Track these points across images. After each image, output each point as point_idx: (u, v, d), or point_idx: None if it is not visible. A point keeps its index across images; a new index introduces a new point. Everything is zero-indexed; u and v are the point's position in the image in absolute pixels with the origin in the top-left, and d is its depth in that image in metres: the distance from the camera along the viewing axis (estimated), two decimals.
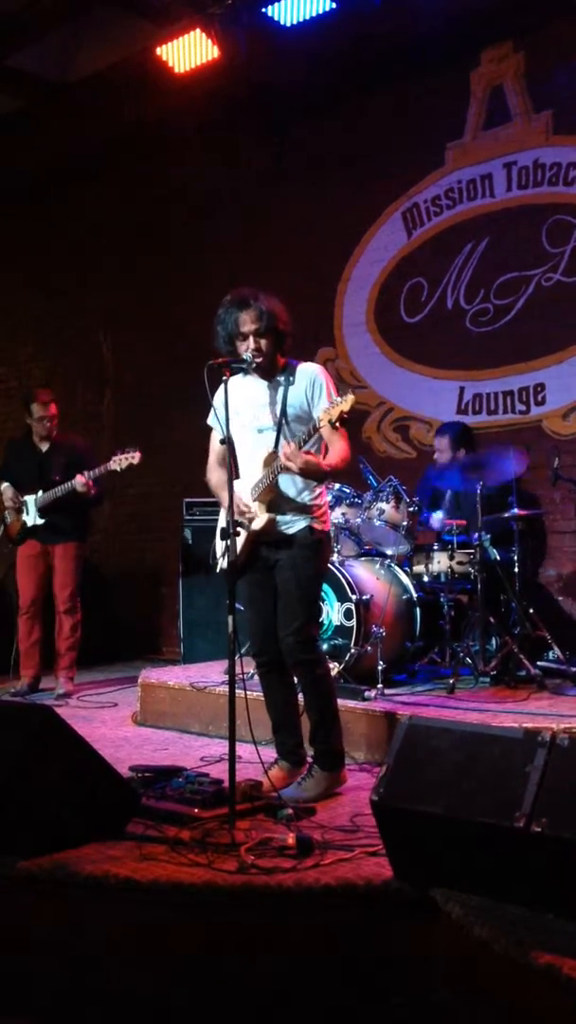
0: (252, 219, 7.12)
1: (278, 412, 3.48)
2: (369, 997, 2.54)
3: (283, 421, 3.47)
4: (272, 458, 3.45)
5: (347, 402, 3.20)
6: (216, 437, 3.63)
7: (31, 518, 5.71)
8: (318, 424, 3.28)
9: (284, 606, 3.50)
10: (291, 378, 3.48)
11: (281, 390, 3.48)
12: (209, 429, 3.65)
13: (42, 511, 5.67)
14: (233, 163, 7.30)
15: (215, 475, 3.69)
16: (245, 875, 2.63)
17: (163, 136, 7.25)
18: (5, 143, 7.23)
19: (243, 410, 3.52)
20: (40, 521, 5.69)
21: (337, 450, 3.46)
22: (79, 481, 5.43)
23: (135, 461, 5.36)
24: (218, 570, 3.68)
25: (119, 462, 5.38)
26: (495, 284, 6.05)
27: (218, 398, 3.42)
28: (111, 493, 7.69)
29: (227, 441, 3.31)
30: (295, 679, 3.65)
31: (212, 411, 3.50)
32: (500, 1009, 2.26)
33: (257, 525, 3.49)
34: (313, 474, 3.39)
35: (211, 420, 3.58)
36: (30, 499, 5.72)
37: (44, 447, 5.78)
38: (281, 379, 3.50)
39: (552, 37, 5.83)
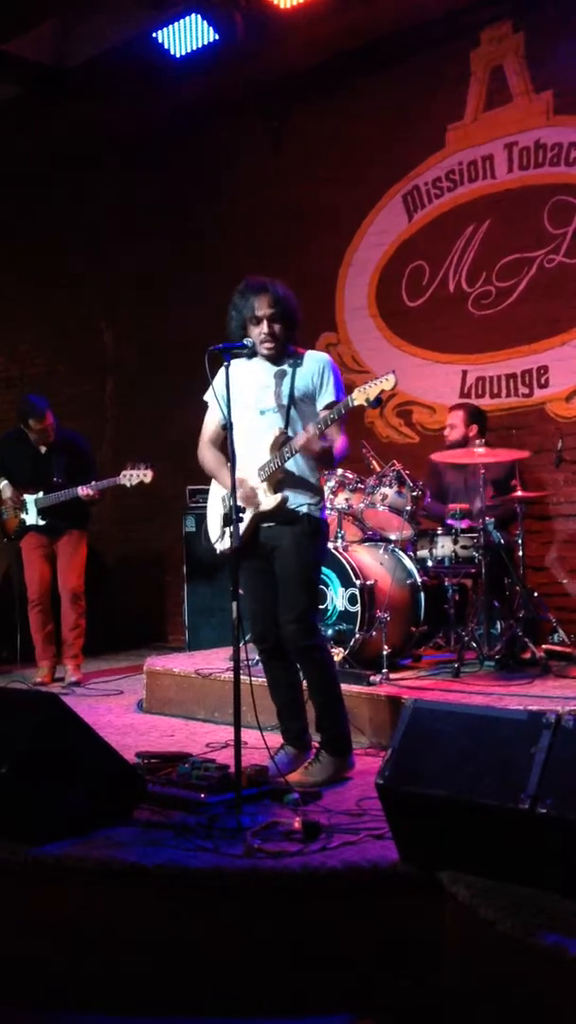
0: (252, 203, 7.08)
1: (285, 394, 3.49)
2: (376, 979, 2.55)
3: (291, 404, 3.48)
4: (281, 441, 3.45)
5: (389, 381, 3.25)
6: (212, 414, 3.64)
7: (31, 518, 5.67)
8: (351, 402, 3.32)
9: (284, 593, 3.50)
10: (298, 362, 3.52)
11: (289, 373, 3.51)
12: (205, 405, 3.64)
13: (43, 512, 5.63)
14: (233, 147, 7.26)
15: (209, 453, 3.67)
16: (251, 859, 2.64)
17: (161, 121, 7.21)
18: (3, 129, 7.19)
19: (246, 391, 3.51)
20: (41, 523, 5.65)
21: (339, 441, 3.50)
22: (83, 492, 5.40)
23: (147, 480, 5.30)
24: (219, 552, 3.69)
25: (129, 478, 5.31)
26: (497, 266, 6.01)
27: (219, 377, 3.40)
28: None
29: (228, 427, 3.30)
30: (300, 665, 3.65)
31: (211, 388, 3.47)
32: (506, 990, 2.27)
33: (268, 505, 3.48)
34: (326, 461, 3.48)
35: (208, 396, 3.55)
36: (30, 499, 5.65)
37: (43, 448, 5.69)
38: (288, 364, 3.53)
39: (552, 16, 5.78)
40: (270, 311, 3.43)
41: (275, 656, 3.64)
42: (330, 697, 3.57)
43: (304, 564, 3.49)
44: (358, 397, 3.29)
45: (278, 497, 3.46)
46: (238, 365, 3.51)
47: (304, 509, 3.51)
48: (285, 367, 3.52)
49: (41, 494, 5.62)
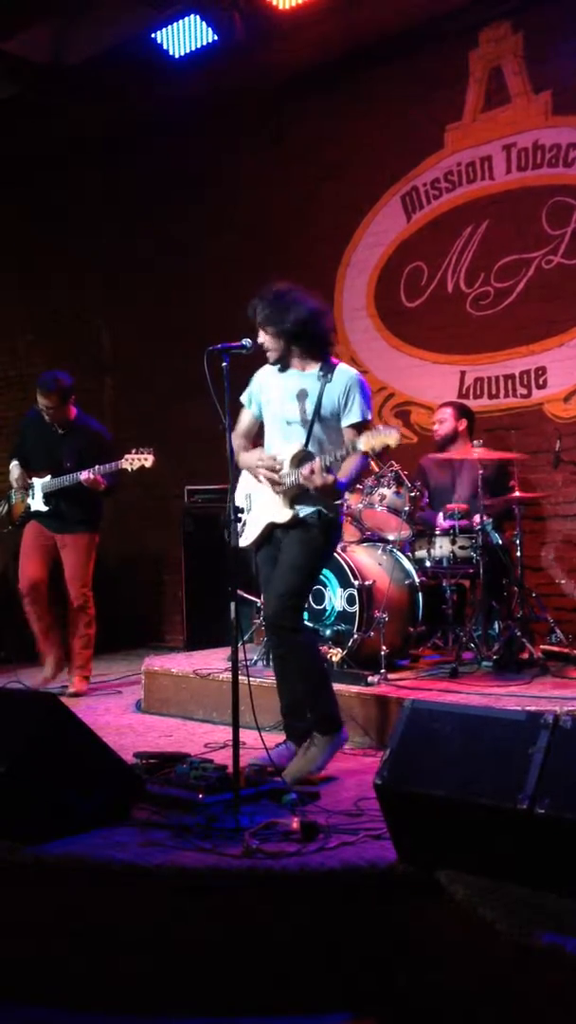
0: (251, 204, 7.09)
1: (310, 410, 3.53)
2: (374, 979, 2.55)
3: (315, 420, 3.52)
4: (300, 457, 3.50)
5: (392, 438, 3.30)
6: (246, 411, 3.75)
7: (36, 503, 5.40)
8: (358, 446, 3.37)
9: (279, 573, 3.55)
10: (329, 376, 3.54)
11: (317, 387, 3.53)
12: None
13: (47, 498, 5.37)
14: (232, 148, 7.26)
15: (239, 441, 3.74)
16: (250, 860, 2.65)
17: (160, 121, 7.21)
18: (2, 129, 7.19)
19: (274, 399, 3.61)
20: (44, 508, 5.38)
21: (354, 461, 3.52)
22: (83, 476, 5.17)
23: (148, 464, 5.12)
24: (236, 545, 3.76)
25: (131, 462, 5.13)
26: (495, 267, 6.02)
27: (255, 377, 3.66)
28: None
29: (226, 428, 3.31)
30: (282, 650, 3.62)
31: (248, 391, 3.70)
32: (504, 989, 2.27)
33: (281, 519, 3.58)
34: (327, 495, 3.47)
35: (243, 397, 3.72)
36: (38, 483, 5.40)
37: (61, 430, 5.42)
38: (319, 377, 3.55)
39: (551, 17, 5.78)
40: (258, 318, 3.52)
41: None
42: (314, 680, 3.58)
43: (303, 551, 3.53)
44: (365, 446, 3.35)
45: (289, 514, 3.55)
46: (271, 370, 3.65)
47: (320, 511, 3.55)
48: (316, 381, 3.55)
49: (48, 478, 5.37)
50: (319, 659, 3.71)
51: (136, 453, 5.14)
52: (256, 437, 3.78)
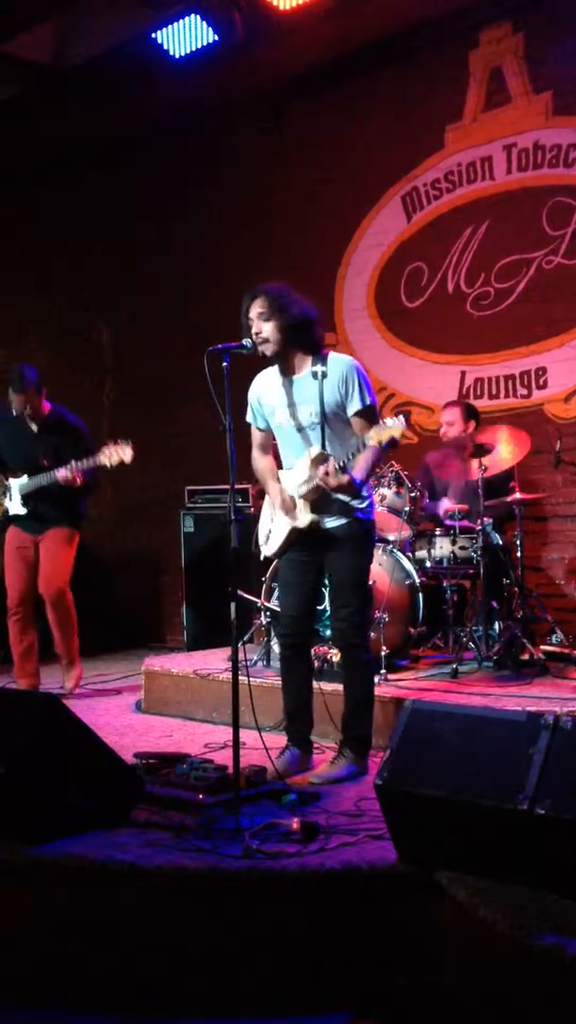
0: (251, 204, 7.09)
1: (316, 411, 3.51)
2: (374, 979, 2.55)
3: (323, 420, 3.50)
4: (320, 459, 3.47)
5: (398, 430, 3.30)
6: (255, 428, 3.74)
7: (13, 505, 5.11)
8: (367, 442, 3.35)
9: (336, 593, 3.62)
10: (323, 370, 3.51)
11: (316, 387, 3.50)
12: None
13: (25, 499, 5.09)
14: (232, 148, 7.27)
15: (260, 463, 3.75)
16: (250, 860, 2.64)
17: (161, 122, 7.21)
18: (3, 129, 7.19)
19: (280, 405, 3.59)
20: (22, 510, 5.10)
21: (366, 459, 3.49)
22: (60, 474, 4.90)
23: (127, 459, 4.85)
24: (263, 557, 3.81)
25: (108, 456, 4.85)
26: (496, 267, 6.02)
27: (253, 386, 3.66)
28: (113, 482, 7.69)
29: (226, 430, 3.30)
30: (343, 662, 3.70)
31: (249, 408, 3.69)
32: (504, 990, 2.27)
33: (301, 524, 3.57)
34: (347, 493, 3.47)
35: (248, 417, 3.71)
36: (14, 483, 5.11)
37: (36, 427, 5.14)
38: (313, 374, 3.52)
39: (551, 17, 5.79)
40: (258, 311, 3.47)
41: (298, 652, 3.69)
42: (363, 699, 3.63)
43: (353, 567, 3.57)
44: (373, 438, 3.33)
45: (310, 518, 3.55)
46: (269, 376, 3.63)
47: (342, 521, 3.54)
48: (308, 375, 3.53)
49: (25, 478, 5.08)
50: (372, 679, 3.74)
51: (114, 446, 4.88)
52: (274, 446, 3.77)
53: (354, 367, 3.54)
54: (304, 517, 3.55)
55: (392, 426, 3.30)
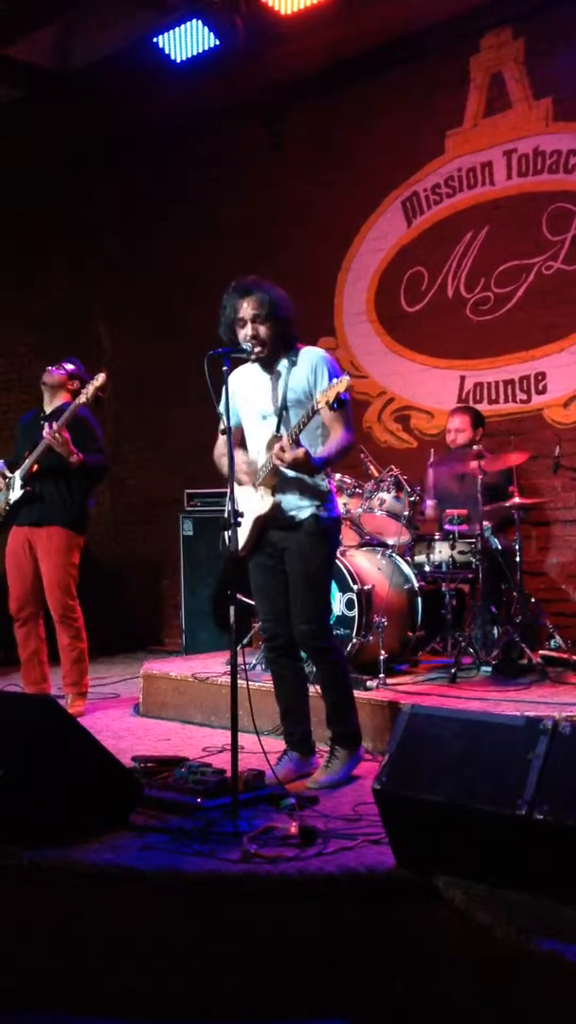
0: (252, 209, 7.10)
1: (280, 398, 3.48)
2: (372, 984, 2.55)
3: (284, 406, 3.47)
4: (273, 443, 3.43)
5: (342, 383, 3.23)
6: (222, 425, 3.63)
7: (14, 493, 4.83)
8: (316, 406, 3.30)
9: (295, 596, 3.52)
10: (294, 361, 3.48)
11: (284, 375, 3.49)
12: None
13: (24, 482, 4.80)
14: (232, 153, 7.28)
15: (223, 460, 3.65)
16: (248, 864, 2.64)
17: (162, 126, 7.22)
18: (5, 132, 7.20)
19: (251, 398, 3.56)
20: (20, 493, 4.79)
21: (335, 438, 3.46)
22: (46, 433, 4.61)
23: (99, 383, 4.58)
24: (235, 549, 3.71)
25: (85, 393, 4.59)
26: (495, 272, 6.03)
27: (230, 387, 3.43)
28: (112, 483, 7.70)
29: (227, 432, 3.31)
30: (313, 664, 3.69)
31: (223, 398, 3.44)
32: (502, 996, 2.27)
33: (261, 510, 3.50)
34: (302, 469, 3.38)
35: (221, 408, 3.53)
36: (17, 474, 4.85)
37: (44, 415, 4.95)
38: (285, 364, 3.50)
39: (552, 23, 5.81)
40: (253, 312, 3.41)
41: (284, 655, 3.66)
42: (342, 696, 3.61)
43: (309, 566, 3.49)
44: (320, 400, 3.27)
45: (270, 502, 3.48)
46: (246, 369, 3.57)
47: (308, 511, 3.49)
48: (281, 368, 3.50)
49: (26, 462, 4.82)
50: (348, 675, 3.69)
51: (89, 383, 4.64)
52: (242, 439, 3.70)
53: (324, 357, 3.51)
54: (264, 502, 3.49)
55: (335, 383, 3.25)
